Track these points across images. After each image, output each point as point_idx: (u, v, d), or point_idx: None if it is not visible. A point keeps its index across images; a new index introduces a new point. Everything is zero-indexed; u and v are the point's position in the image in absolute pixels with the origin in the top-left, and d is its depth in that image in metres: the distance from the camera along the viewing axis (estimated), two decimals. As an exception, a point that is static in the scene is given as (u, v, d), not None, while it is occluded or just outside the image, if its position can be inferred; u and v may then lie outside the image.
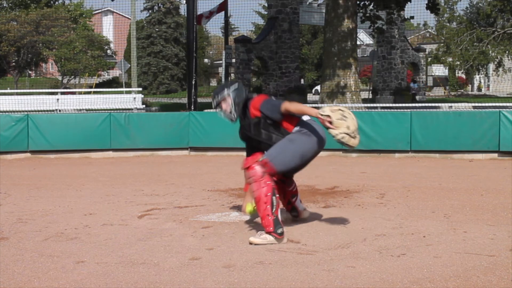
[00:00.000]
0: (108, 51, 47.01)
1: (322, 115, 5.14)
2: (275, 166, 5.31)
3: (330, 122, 5.13)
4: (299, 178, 9.29)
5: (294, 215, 6.09)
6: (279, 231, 5.23)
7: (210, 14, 27.20)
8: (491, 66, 38.17)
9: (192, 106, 15.82)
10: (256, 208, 5.39)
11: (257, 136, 5.52)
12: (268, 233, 5.23)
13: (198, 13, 22.32)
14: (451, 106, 16.28)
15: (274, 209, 5.25)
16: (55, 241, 5.46)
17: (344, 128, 5.11)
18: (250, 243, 5.21)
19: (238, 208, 6.88)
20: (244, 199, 6.02)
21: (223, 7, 27.31)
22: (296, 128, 5.45)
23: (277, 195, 5.34)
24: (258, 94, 5.69)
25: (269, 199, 5.24)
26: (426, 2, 22.64)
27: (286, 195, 5.95)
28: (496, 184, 8.72)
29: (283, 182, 5.86)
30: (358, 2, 20.98)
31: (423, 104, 18.14)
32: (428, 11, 22.73)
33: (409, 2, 23.09)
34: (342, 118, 5.14)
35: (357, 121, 5.24)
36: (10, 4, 41.56)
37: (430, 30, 47.37)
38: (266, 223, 5.25)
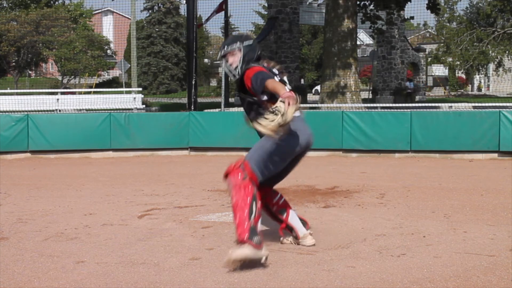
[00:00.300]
0: (108, 51, 47.00)
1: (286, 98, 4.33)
2: (257, 171, 4.67)
3: (284, 102, 4.32)
4: (299, 178, 9.33)
5: (294, 236, 5.14)
6: (255, 240, 4.37)
7: (210, 15, 27.22)
8: (491, 66, 38.18)
9: (192, 106, 15.82)
10: (233, 218, 4.57)
11: (247, 113, 4.94)
12: (242, 242, 4.37)
13: (198, 13, 22.31)
14: (451, 106, 16.28)
15: (252, 216, 4.46)
16: (55, 241, 5.46)
17: (284, 109, 4.28)
18: (230, 261, 4.36)
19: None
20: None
21: (222, 7, 27.30)
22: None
23: (259, 204, 4.57)
24: (254, 66, 4.86)
25: (248, 205, 4.48)
26: (427, 2, 22.64)
27: (270, 209, 5.07)
28: (496, 184, 8.72)
29: (267, 194, 4.99)
30: (358, 2, 20.97)
31: (423, 104, 18.14)
32: (429, 11, 22.73)
33: (409, 2, 23.09)
34: (292, 108, 4.33)
35: (289, 121, 4.37)
36: (10, 4, 41.57)
37: (430, 30, 47.38)
38: (240, 231, 4.41)
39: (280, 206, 5.08)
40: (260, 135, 4.78)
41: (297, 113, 4.62)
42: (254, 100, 4.81)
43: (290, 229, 5.12)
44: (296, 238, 5.13)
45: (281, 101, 4.35)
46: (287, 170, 4.97)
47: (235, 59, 4.93)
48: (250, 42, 4.99)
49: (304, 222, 5.17)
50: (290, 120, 4.34)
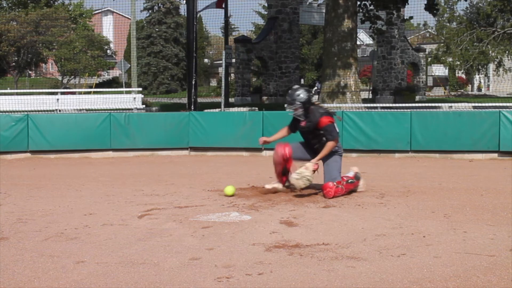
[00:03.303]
0: (108, 51, 47.02)
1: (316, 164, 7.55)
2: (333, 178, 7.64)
3: (314, 171, 7.44)
4: (299, 178, 9.31)
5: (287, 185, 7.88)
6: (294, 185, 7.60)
7: (208, 5, 27.21)
8: (491, 66, 38.16)
9: (192, 106, 15.83)
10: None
11: (312, 136, 7.71)
12: (288, 183, 7.77)
13: (198, 13, 22.30)
14: (451, 106, 16.28)
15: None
16: (55, 241, 5.46)
17: (307, 175, 7.41)
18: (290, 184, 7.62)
19: (238, 208, 6.88)
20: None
21: (221, 4, 27.26)
22: (336, 148, 7.75)
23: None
24: (327, 115, 7.60)
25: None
26: (426, 2, 22.66)
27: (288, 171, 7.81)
28: (496, 184, 8.72)
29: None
30: (358, 2, 20.98)
31: (423, 104, 18.15)
32: (428, 12, 22.77)
33: (407, 4, 23.16)
34: (310, 176, 7.47)
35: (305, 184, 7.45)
36: (9, 4, 41.57)
37: (430, 30, 47.33)
38: (281, 180, 7.89)
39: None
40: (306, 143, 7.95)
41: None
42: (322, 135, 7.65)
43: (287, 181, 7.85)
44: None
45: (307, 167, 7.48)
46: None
47: (299, 110, 7.62)
48: (306, 97, 7.61)
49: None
50: (303, 184, 7.44)
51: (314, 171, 7.43)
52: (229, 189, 7.61)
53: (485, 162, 11.81)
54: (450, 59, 32.86)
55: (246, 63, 31.40)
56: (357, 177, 7.83)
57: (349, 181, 7.65)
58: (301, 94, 7.55)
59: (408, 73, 37.71)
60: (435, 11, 23.36)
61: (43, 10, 38.39)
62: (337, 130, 7.69)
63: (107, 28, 55.24)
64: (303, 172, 7.35)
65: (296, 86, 7.81)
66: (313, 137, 7.67)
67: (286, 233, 5.65)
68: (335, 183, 7.45)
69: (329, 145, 7.53)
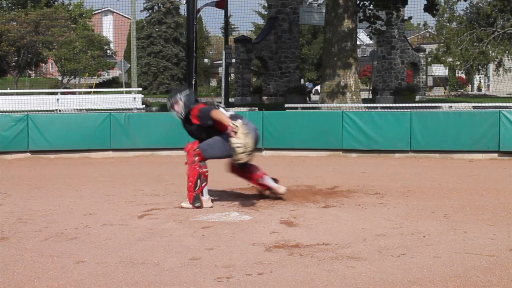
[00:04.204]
0: (108, 51, 46.98)
1: (232, 124, 6.48)
2: (205, 155, 6.87)
3: (235, 132, 6.45)
4: (299, 178, 9.34)
5: (272, 192, 7.30)
6: (197, 205, 6.86)
7: (208, 3, 27.15)
8: (491, 66, 38.15)
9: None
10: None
11: (199, 135, 6.99)
12: (190, 203, 6.90)
13: (198, 13, 22.30)
14: (451, 106, 16.28)
15: (196, 188, 6.85)
16: (55, 241, 5.46)
17: (242, 141, 6.44)
18: (181, 207, 6.89)
19: (238, 208, 6.89)
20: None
21: (222, 4, 27.23)
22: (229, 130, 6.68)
23: (204, 181, 6.88)
24: (199, 104, 6.97)
25: (194, 180, 6.85)
26: (425, 2, 22.66)
27: (251, 178, 7.28)
28: (496, 184, 8.72)
29: (248, 171, 7.24)
30: (358, 2, 20.97)
31: (423, 104, 18.15)
32: (427, 12, 22.78)
33: (407, 4, 23.17)
34: (245, 134, 6.47)
35: (254, 145, 6.65)
36: (9, 4, 41.56)
37: (430, 30, 47.33)
38: (189, 197, 6.92)
39: (258, 176, 7.21)
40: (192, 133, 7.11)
41: (239, 121, 6.62)
42: (204, 127, 6.85)
43: (269, 189, 7.30)
44: (273, 192, 7.28)
45: (232, 124, 6.45)
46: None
47: (180, 107, 7.00)
48: (187, 92, 7.10)
49: (275, 180, 7.31)
50: (251, 145, 6.54)
51: (236, 133, 6.47)
52: None
53: (485, 162, 11.81)
54: (450, 59, 32.86)
55: (246, 63, 31.40)
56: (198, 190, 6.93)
57: (203, 168, 6.86)
58: (182, 89, 7.20)
59: (408, 73, 37.70)
60: (435, 12, 23.36)
61: (43, 10, 38.37)
62: (215, 108, 6.84)
63: (107, 28, 55.22)
64: (239, 140, 6.45)
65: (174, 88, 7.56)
66: (206, 135, 6.94)
67: (286, 233, 5.65)
68: (196, 151, 6.83)
69: (216, 112, 6.71)
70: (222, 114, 6.70)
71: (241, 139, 6.42)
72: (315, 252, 4.95)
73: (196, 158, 6.84)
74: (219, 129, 6.81)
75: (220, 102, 7.25)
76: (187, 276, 4.37)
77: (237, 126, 6.47)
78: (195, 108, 6.87)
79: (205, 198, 6.96)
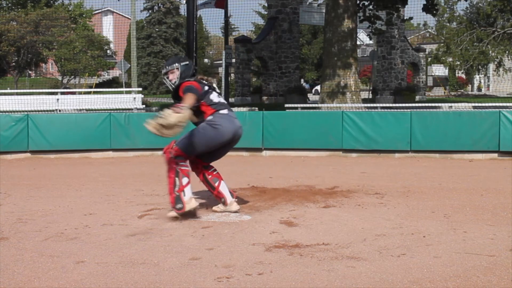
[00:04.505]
0: (108, 51, 46.98)
1: (182, 107, 5.66)
2: (185, 152, 6.19)
3: (177, 110, 5.61)
4: (299, 178, 9.33)
5: (222, 201, 6.55)
6: (178, 206, 6.12)
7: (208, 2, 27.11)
8: (491, 66, 38.14)
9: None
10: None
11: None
12: (173, 208, 6.17)
13: (198, 13, 22.29)
14: (451, 106, 16.28)
15: (176, 188, 6.15)
16: (55, 241, 5.46)
17: (171, 118, 5.55)
18: (169, 216, 6.21)
19: (238, 208, 6.88)
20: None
21: (222, 4, 27.22)
22: (210, 117, 6.22)
23: (183, 178, 6.18)
24: (193, 80, 6.25)
25: (172, 179, 6.20)
26: (424, 2, 22.67)
27: (206, 178, 6.55)
28: (496, 184, 8.72)
29: (204, 168, 6.56)
30: (358, 2, 20.98)
31: (423, 104, 18.15)
32: (425, 12, 22.80)
33: (407, 5, 23.17)
34: (178, 120, 5.57)
35: (171, 132, 5.61)
36: (9, 4, 41.55)
37: (430, 30, 47.34)
38: (170, 199, 6.23)
39: (214, 175, 6.54)
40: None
41: (224, 110, 6.25)
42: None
43: (220, 197, 6.51)
44: (224, 204, 6.51)
45: (169, 109, 5.63)
46: (220, 153, 6.52)
47: (174, 76, 6.36)
48: (186, 62, 6.41)
49: (232, 193, 6.57)
50: (172, 123, 5.55)
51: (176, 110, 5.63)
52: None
53: (485, 162, 11.81)
54: (450, 59, 32.86)
55: (246, 63, 31.41)
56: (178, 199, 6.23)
57: (182, 166, 6.23)
58: (182, 59, 6.50)
59: (408, 73, 37.71)
60: (434, 12, 23.36)
61: (43, 10, 38.38)
62: (203, 89, 6.23)
63: (107, 28, 55.21)
64: (170, 114, 5.61)
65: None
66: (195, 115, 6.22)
67: (286, 233, 5.64)
68: (174, 147, 6.22)
69: (188, 95, 5.90)
70: (190, 99, 5.83)
71: (171, 116, 5.55)
72: (315, 252, 4.95)
73: (172, 154, 6.20)
74: (202, 111, 6.22)
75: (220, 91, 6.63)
76: (187, 276, 4.37)
77: (182, 110, 5.61)
78: (186, 82, 6.17)
79: (187, 198, 6.14)
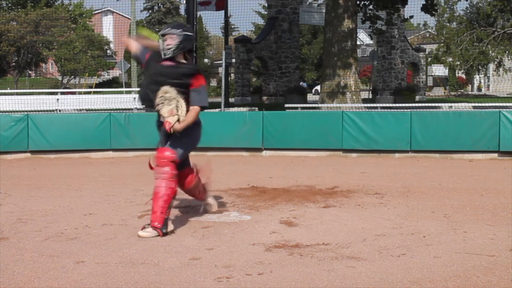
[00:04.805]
0: (108, 51, 46.99)
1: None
2: (179, 158, 5.84)
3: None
4: (299, 178, 9.33)
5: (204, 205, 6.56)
6: (164, 231, 5.58)
7: (207, 3, 27.06)
8: (491, 66, 38.15)
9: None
10: (152, 201, 5.65)
11: (175, 85, 5.63)
12: (154, 228, 5.55)
13: (198, 13, 22.28)
14: (451, 106, 16.27)
15: (169, 210, 5.64)
16: (55, 241, 5.46)
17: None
18: (139, 236, 5.54)
19: (238, 208, 6.88)
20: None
21: (222, 5, 27.21)
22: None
23: (173, 200, 5.75)
24: (201, 73, 5.86)
25: (169, 200, 5.63)
26: (424, 2, 22.67)
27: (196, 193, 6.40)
28: (496, 184, 8.72)
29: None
30: (358, 2, 20.97)
31: (423, 104, 18.14)
32: (424, 12, 22.81)
33: (406, 5, 23.18)
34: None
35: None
36: (9, 4, 41.57)
37: (430, 30, 47.36)
38: (158, 219, 5.56)
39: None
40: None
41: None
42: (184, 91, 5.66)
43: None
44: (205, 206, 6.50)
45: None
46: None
47: (172, 43, 5.66)
48: (191, 34, 5.80)
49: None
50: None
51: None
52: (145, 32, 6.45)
53: (485, 162, 11.81)
54: (450, 59, 32.87)
55: (246, 63, 31.41)
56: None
57: (176, 185, 5.82)
58: (189, 29, 5.89)
59: (408, 73, 37.70)
60: (433, 12, 23.37)
61: (43, 10, 38.39)
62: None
63: (107, 28, 55.21)
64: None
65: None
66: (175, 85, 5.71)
67: (286, 233, 5.65)
68: (173, 157, 5.77)
69: (196, 109, 5.75)
70: (194, 116, 5.76)
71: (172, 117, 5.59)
72: (315, 252, 4.95)
73: (171, 170, 5.69)
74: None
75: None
76: (187, 276, 4.37)
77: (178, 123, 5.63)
78: (203, 79, 5.84)
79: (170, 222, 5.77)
